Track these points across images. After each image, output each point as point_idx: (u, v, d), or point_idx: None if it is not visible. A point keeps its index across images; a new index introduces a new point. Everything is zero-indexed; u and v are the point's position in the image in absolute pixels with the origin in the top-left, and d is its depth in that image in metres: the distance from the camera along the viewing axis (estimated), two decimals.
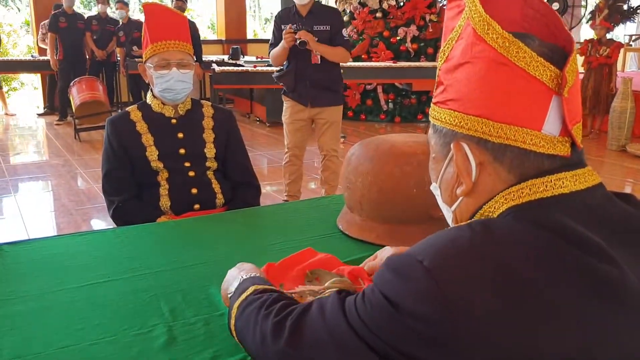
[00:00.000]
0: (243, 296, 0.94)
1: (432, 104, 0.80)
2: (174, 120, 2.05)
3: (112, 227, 1.96)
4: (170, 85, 1.98)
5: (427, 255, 0.65)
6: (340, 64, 3.84)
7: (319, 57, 3.67)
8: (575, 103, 0.71)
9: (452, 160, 0.76)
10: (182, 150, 2.02)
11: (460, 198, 0.78)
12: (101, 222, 4.02)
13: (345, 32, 3.79)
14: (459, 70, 0.74)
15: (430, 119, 0.80)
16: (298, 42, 3.60)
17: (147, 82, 2.07)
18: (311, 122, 3.91)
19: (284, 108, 3.92)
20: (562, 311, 0.62)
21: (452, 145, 0.75)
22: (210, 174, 2.07)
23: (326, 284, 1.17)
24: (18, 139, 7.38)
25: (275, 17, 3.90)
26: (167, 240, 1.60)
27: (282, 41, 3.66)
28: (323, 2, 8.80)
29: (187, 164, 2.02)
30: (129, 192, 2.00)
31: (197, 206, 2.01)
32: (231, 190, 2.11)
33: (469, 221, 0.72)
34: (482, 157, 0.73)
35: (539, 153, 0.70)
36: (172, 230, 1.69)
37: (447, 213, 0.84)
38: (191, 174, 2.02)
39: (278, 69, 3.92)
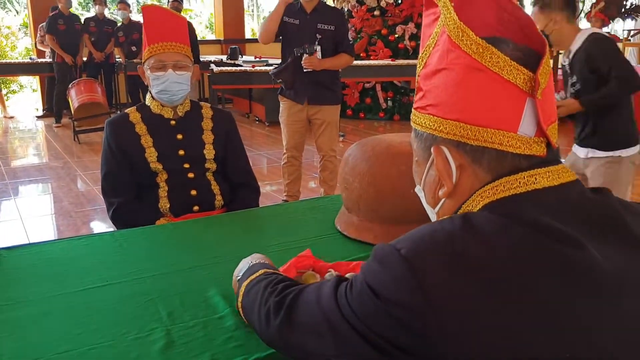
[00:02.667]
0: (252, 277, 1.00)
1: (412, 109, 0.83)
2: (173, 122, 2.05)
3: (111, 229, 1.97)
4: (166, 86, 1.98)
5: (406, 244, 0.68)
6: None
7: (319, 53, 3.65)
8: (549, 104, 0.74)
9: (433, 163, 0.79)
10: (181, 152, 2.02)
11: (443, 199, 0.80)
12: (101, 224, 4.02)
13: (349, 35, 3.78)
14: (436, 76, 0.77)
15: (412, 123, 0.83)
16: (305, 71, 3.62)
17: (146, 83, 2.07)
18: (308, 121, 3.90)
19: (280, 108, 3.92)
20: (539, 299, 0.63)
21: (432, 149, 0.78)
22: (209, 175, 2.07)
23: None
24: (17, 141, 7.38)
25: None
26: (165, 243, 1.60)
27: (275, 6, 3.60)
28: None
29: (186, 166, 2.02)
30: (129, 193, 2.00)
31: (196, 208, 2.01)
32: (230, 192, 2.12)
33: (451, 215, 0.74)
34: (462, 160, 0.75)
35: (516, 154, 0.72)
36: (171, 233, 1.69)
37: (431, 214, 0.86)
38: (190, 175, 2.02)
39: (275, 66, 3.90)
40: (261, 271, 1.01)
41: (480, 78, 0.72)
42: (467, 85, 0.73)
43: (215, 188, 2.06)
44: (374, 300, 0.67)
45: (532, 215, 0.68)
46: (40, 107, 9.35)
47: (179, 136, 2.04)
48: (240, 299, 1.02)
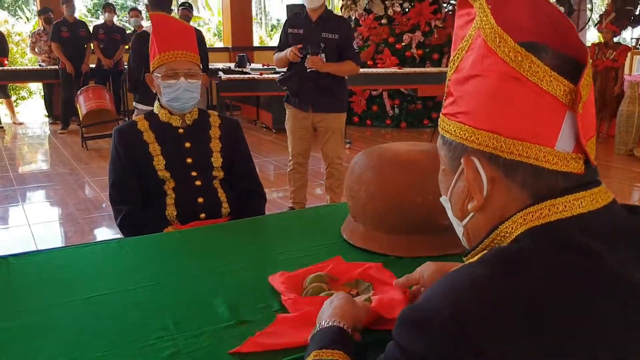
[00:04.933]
0: None
1: (441, 115, 0.78)
2: (181, 130, 2.06)
3: (118, 236, 1.97)
4: (179, 94, 1.99)
5: (447, 303, 0.62)
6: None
7: (323, 60, 3.66)
8: (589, 117, 0.69)
9: (462, 174, 0.75)
10: (189, 160, 2.03)
11: (472, 213, 0.76)
12: (108, 231, 4.03)
13: (355, 44, 3.77)
14: (469, 82, 0.72)
15: (440, 130, 0.78)
16: (308, 70, 3.62)
17: (154, 92, 2.08)
18: (314, 129, 3.91)
19: (286, 116, 3.94)
20: (599, 338, 0.61)
21: (462, 160, 0.73)
22: (216, 183, 2.08)
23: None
24: (26, 147, 7.42)
25: (285, 21, 3.92)
26: (172, 251, 1.60)
27: (288, 51, 3.66)
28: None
29: (193, 173, 2.03)
30: (136, 201, 2.01)
31: (203, 215, 2.02)
32: (237, 199, 2.12)
33: (480, 254, 0.71)
34: (494, 173, 0.71)
35: (552, 170, 0.68)
36: (177, 241, 1.69)
37: (458, 227, 0.82)
38: (197, 183, 2.03)
39: (281, 73, 3.93)
40: (312, 355, 0.90)
41: (517, 88, 0.68)
42: (502, 94, 0.69)
43: (222, 196, 2.07)
44: None
45: (579, 241, 0.65)
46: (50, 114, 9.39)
47: (187, 144, 2.05)
48: None
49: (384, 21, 8.34)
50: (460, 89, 0.74)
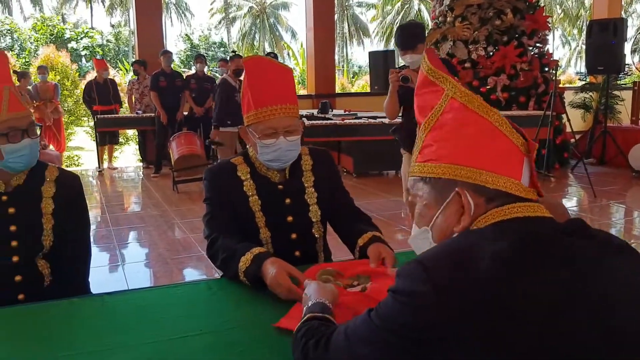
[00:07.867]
0: (300, 323, 1.16)
1: (421, 163, 1.01)
2: (280, 187, 1.91)
3: (205, 277, 2.00)
4: (278, 155, 1.83)
5: (426, 257, 0.87)
6: None
7: None
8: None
9: (449, 205, 0.96)
10: (289, 218, 1.90)
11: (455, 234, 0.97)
12: (195, 272, 4.13)
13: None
14: (452, 132, 0.97)
15: (419, 174, 1.00)
16: (401, 78, 3.74)
17: (248, 144, 1.93)
18: None
19: (403, 160, 4.34)
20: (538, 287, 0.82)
21: (454, 192, 0.95)
22: (317, 244, 1.97)
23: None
24: (122, 190, 7.86)
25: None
26: (262, 292, 1.57)
27: (390, 87, 3.84)
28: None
29: (293, 236, 1.91)
30: (231, 232, 1.80)
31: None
32: (349, 228, 1.95)
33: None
34: (477, 200, 0.94)
35: (518, 196, 0.92)
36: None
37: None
38: (293, 236, 1.91)
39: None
40: (306, 317, 1.17)
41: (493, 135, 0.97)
42: (482, 141, 0.96)
43: (320, 247, 1.97)
44: (396, 299, 0.87)
45: (516, 228, 0.89)
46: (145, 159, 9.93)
47: (287, 200, 1.90)
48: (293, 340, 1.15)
49: (467, 65, 8.27)
50: (443, 138, 0.98)
